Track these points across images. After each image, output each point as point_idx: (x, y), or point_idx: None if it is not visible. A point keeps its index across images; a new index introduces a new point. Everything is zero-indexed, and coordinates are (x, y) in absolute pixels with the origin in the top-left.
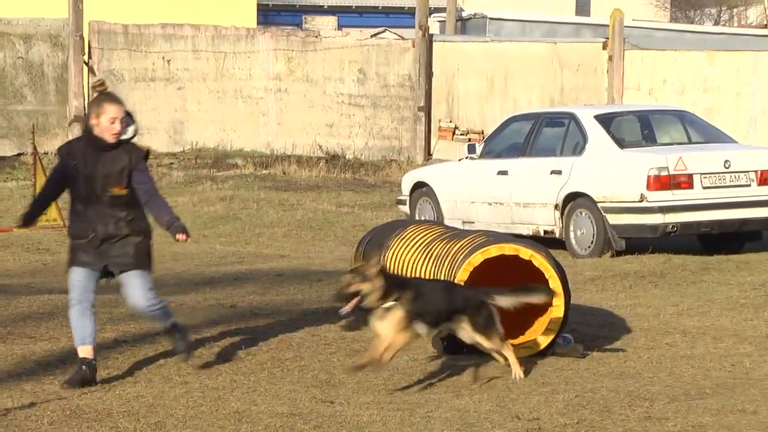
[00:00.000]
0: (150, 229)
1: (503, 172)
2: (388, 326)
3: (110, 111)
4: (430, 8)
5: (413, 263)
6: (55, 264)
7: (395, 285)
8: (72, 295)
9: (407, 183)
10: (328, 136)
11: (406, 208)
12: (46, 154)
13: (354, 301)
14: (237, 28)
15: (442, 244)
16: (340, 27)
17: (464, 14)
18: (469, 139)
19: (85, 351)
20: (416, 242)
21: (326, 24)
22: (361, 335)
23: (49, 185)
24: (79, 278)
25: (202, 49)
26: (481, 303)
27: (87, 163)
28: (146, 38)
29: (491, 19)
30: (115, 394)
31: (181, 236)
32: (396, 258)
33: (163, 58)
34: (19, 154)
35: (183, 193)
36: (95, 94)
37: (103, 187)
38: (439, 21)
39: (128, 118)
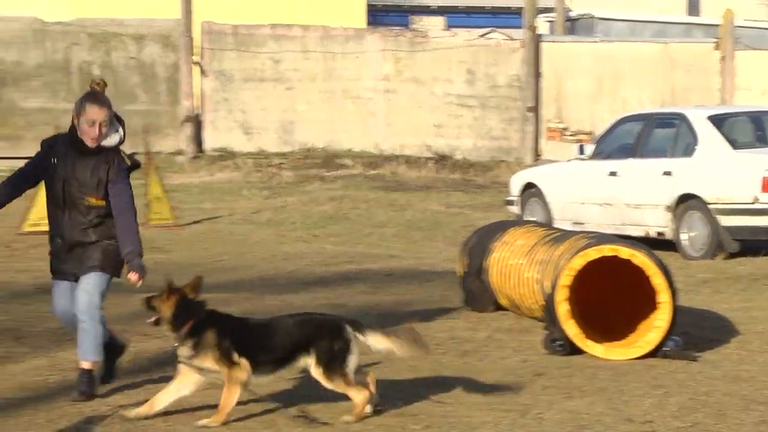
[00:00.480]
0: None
1: (613, 173)
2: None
3: (90, 112)
4: (538, 8)
5: (517, 269)
6: (168, 263)
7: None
8: (53, 310)
9: (516, 184)
10: (436, 137)
11: (515, 209)
12: (158, 153)
13: (154, 319)
14: (345, 28)
15: (544, 249)
16: (448, 27)
17: (572, 14)
18: (579, 140)
19: (83, 363)
20: (519, 247)
21: (434, 24)
22: (472, 335)
23: (18, 177)
24: (56, 294)
25: (311, 49)
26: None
27: (66, 164)
28: (256, 39)
29: (600, 19)
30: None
31: (133, 276)
32: (499, 263)
33: (273, 58)
34: (131, 154)
35: (293, 193)
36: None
37: (79, 195)
38: (548, 21)
39: (116, 123)
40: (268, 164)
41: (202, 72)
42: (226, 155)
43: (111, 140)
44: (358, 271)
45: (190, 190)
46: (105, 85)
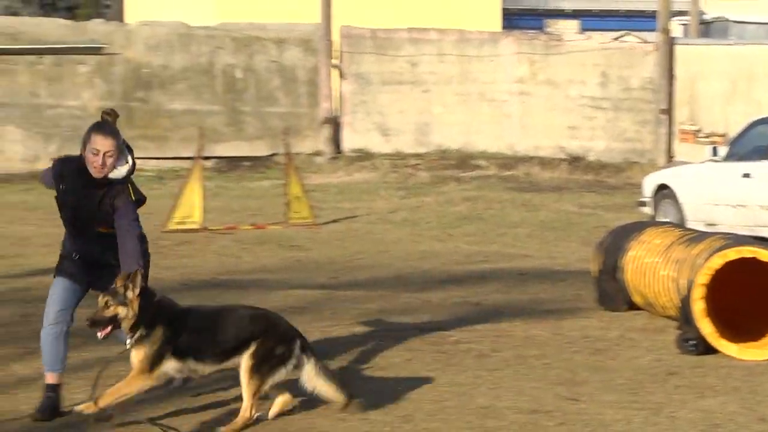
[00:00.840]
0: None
1: (747, 175)
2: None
3: (95, 142)
4: (672, 12)
5: (653, 267)
6: (307, 261)
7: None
8: (48, 313)
9: (649, 185)
10: (570, 138)
11: (647, 210)
12: (298, 154)
13: (108, 328)
14: (481, 32)
15: (681, 248)
16: (582, 30)
17: (707, 18)
18: (712, 142)
19: (53, 378)
20: (655, 246)
21: (568, 28)
22: (604, 335)
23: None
24: (60, 291)
25: (447, 52)
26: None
27: (75, 194)
28: (393, 42)
29: (734, 22)
30: (366, 387)
31: (119, 279)
32: (635, 261)
33: (410, 61)
34: (272, 155)
35: (428, 194)
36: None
37: (89, 224)
38: (682, 24)
39: (126, 154)
40: (405, 165)
41: (341, 75)
42: (363, 156)
43: (118, 172)
44: (492, 270)
45: (328, 190)
46: (116, 116)
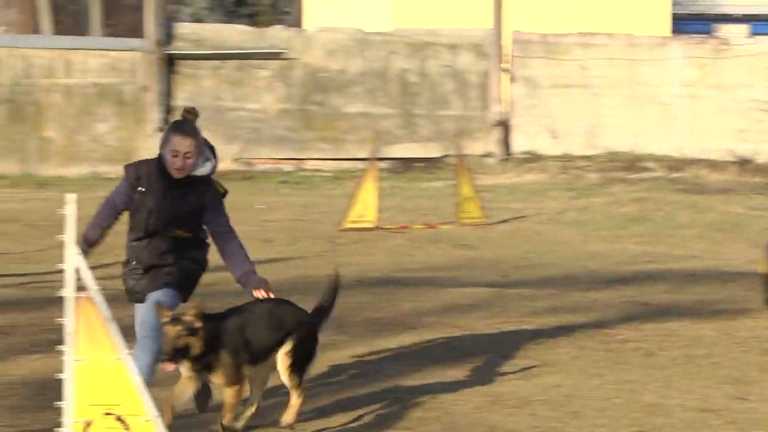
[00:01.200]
0: (204, 260)
1: None
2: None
3: (174, 143)
4: None
5: None
6: (477, 259)
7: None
8: (142, 333)
9: None
10: (738, 141)
11: None
12: (469, 156)
13: (178, 362)
14: (650, 36)
15: None
16: (751, 35)
17: None
18: None
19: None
20: None
21: (737, 32)
22: None
23: (104, 212)
24: (142, 314)
25: (616, 56)
26: (308, 328)
27: (155, 196)
28: (562, 47)
29: None
30: (534, 383)
31: (258, 293)
32: None
33: (579, 65)
34: (444, 156)
35: (597, 195)
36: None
37: (167, 227)
38: None
39: (207, 152)
40: (573, 167)
41: (512, 79)
42: (532, 158)
43: (202, 170)
44: (660, 270)
45: (498, 191)
46: (196, 115)
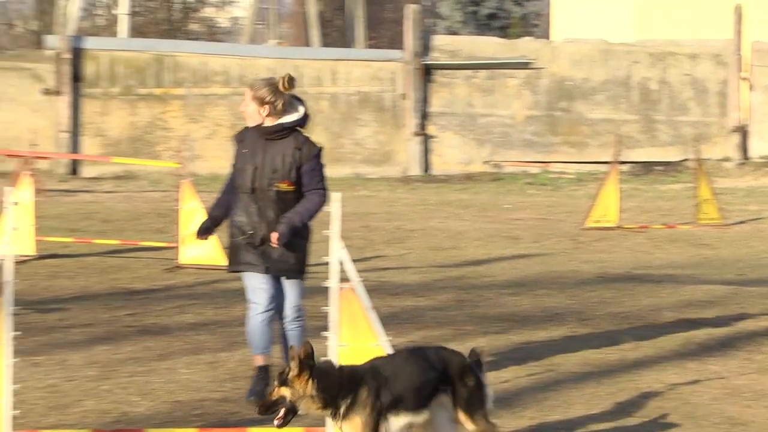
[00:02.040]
0: (309, 231)
1: None
2: None
3: (245, 95)
4: None
5: None
6: (715, 258)
7: (339, 383)
8: (255, 300)
9: None
10: None
11: None
12: (707, 160)
13: (282, 412)
14: None
15: None
16: None
17: None
18: None
19: (262, 359)
20: None
21: None
22: None
23: (226, 193)
24: (253, 282)
25: None
26: (468, 369)
27: (255, 153)
28: None
29: None
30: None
31: (273, 235)
32: None
33: None
34: (683, 160)
35: None
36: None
37: (270, 181)
38: None
39: (295, 104)
40: None
41: (751, 87)
42: None
43: (289, 117)
44: None
45: (735, 193)
46: (285, 80)
